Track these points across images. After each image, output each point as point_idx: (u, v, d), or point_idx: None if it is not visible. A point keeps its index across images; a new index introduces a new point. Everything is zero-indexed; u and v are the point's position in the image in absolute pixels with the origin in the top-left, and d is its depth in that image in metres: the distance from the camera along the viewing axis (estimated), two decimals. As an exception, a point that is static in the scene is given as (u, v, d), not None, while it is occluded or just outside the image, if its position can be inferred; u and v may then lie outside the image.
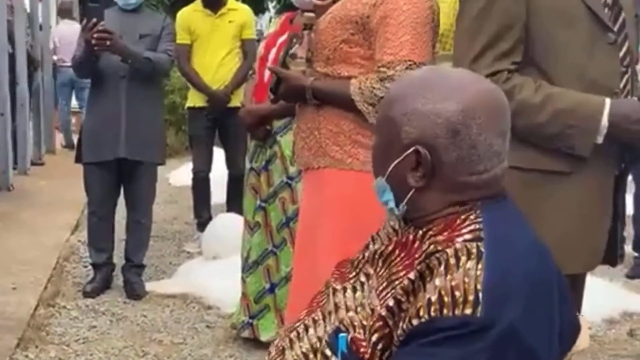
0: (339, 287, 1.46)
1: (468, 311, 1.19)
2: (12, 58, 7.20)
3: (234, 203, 5.38)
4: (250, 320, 3.52)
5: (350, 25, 2.29)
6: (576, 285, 2.04)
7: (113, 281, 4.41)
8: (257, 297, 3.50)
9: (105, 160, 4.17)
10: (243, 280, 3.59)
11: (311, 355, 1.39)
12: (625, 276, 4.63)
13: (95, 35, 3.88)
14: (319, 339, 1.40)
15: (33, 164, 8.19)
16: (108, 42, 3.91)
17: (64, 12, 10.31)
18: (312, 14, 2.46)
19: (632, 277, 4.67)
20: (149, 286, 4.38)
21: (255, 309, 3.50)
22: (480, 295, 1.19)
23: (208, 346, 3.63)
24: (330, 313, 1.42)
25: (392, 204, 1.38)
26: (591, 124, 1.93)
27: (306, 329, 1.45)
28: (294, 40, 2.59)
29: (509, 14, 1.92)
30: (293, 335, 1.46)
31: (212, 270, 4.50)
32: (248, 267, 3.52)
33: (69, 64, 9.72)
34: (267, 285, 3.48)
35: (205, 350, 3.58)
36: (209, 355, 3.53)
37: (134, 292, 4.26)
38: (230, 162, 5.40)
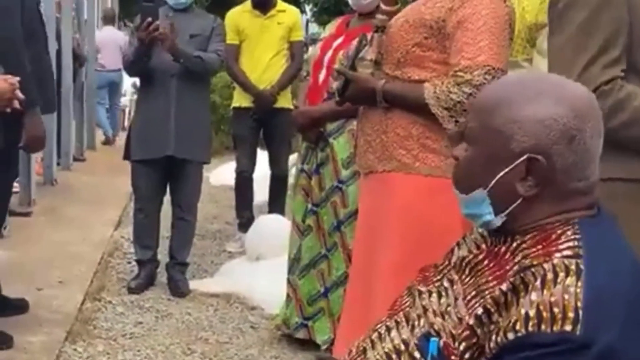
0: (424, 289, 1.45)
1: (568, 328, 1.16)
2: (58, 55, 7.28)
3: (276, 204, 5.41)
4: (305, 322, 3.51)
5: (424, 29, 2.28)
6: None
7: (157, 278, 4.44)
8: (311, 300, 3.49)
9: (154, 157, 4.20)
10: (290, 282, 3.59)
11: (394, 356, 1.38)
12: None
13: (151, 35, 3.91)
14: (403, 341, 1.39)
15: (75, 159, 8.29)
16: (165, 41, 3.94)
17: (107, 19, 10.50)
18: (384, 17, 2.45)
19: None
20: (192, 284, 4.40)
21: (309, 311, 3.49)
22: (581, 313, 1.17)
23: (254, 347, 3.63)
24: (419, 316, 1.41)
25: (489, 217, 1.34)
26: None
27: (388, 330, 1.44)
28: (363, 42, 2.57)
29: (617, 20, 1.87)
30: (374, 336, 1.45)
31: (256, 270, 4.51)
32: (300, 270, 3.51)
33: (108, 69, 9.98)
34: (322, 289, 3.47)
35: (251, 351, 3.58)
36: (255, 355, 3.54)
37: (178, 289, 4.28)
38: (274, 162, 5.41)
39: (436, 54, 2.29)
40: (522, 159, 1.29)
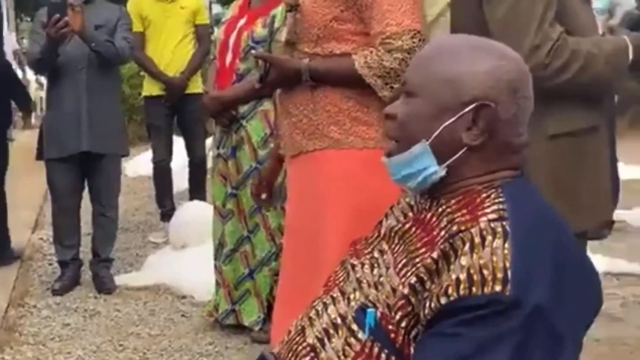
0: (356, 262, 1.45)
1: (498, 288, 1.18)
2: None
3: (196, 190, 5.37)
4: (233, 307, 3.51)
5: (339, 2, 2.25)
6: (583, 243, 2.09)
7: (81, 277, 4.35)
8: (237, 283, 3.49)
9: (69, 155, 4.10)
10: (217, 268, 3.57)
11: (332, 331, 1.38)
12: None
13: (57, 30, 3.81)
14: (340, 316, 1.39)
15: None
16: (74, 28, 3.84)
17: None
18: None
19: (590, 238, 4.75)
20: (118, 280, 4.33)
21: (236, 295, 3.49)
22: (509, 273, 1.19)
23: (187, 335, 3.60)
24: (354, 289, 1.40)
25: (432, 168, 1.34)
26: (625, 61, 1.97)
27: (325, 306, 1.43)
28: (274, 25, 2.52)
29: None
30: (312, 313, 1.45)
31: (182, 259, 4.46)
32: (225, 255, 3.50)
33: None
34: (246, 271, 3.47)
35: (185, 340, 3.55)
36: (189, 344, 3.51)
37: (104, 286, 4.21)
38: (191, 149, 5.38)
39: (354, 25, 2.27)
40: (471, 106, 1.31)
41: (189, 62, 5.12)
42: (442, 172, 1.34)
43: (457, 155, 1.33)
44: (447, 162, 1.33)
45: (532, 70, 1.83)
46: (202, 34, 5.22)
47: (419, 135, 1.35)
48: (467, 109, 1.31)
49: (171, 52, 5.12)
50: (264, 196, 2.75)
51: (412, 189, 1.41)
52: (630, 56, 1.98)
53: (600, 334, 3.39)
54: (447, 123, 1.32)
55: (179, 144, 5.52)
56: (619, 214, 4.99)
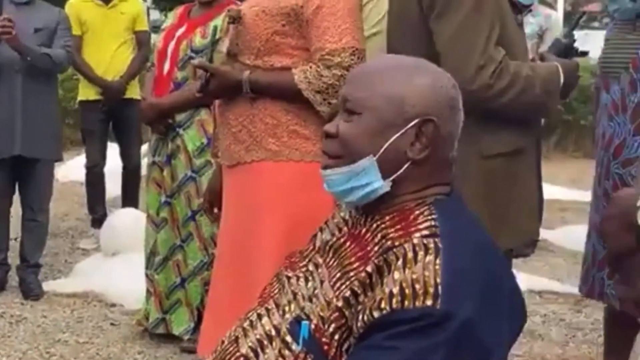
0: (291, 274, 1.48)
1: (429, 302, 1.22)
2: None
3: (129, 197, 5.32)
4: (164, 316, 3.50)
5: (281, 17, 2.30)
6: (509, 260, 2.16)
7: (7, 282, 4.27)
8: (168, 292, 3.48)
9: (1, 158, 4.02)
10: (148, 277, 3.56)
11: (265, 342, 1.40)
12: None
13: None
14: (274, 327, 1.42)
15: None
16: (12, 32, 3.78)
17: None
18: (236, 7, 2.45)
19: (514, 256, 4.88)
20: (46, 286, 4.25)
21: (167, 304, 3.49)
22: (440, 288, 1.23)
23: (115, 344, 3.57)
24: (289, 301, 1.44)
25: (377, 183, 1.37)
26: (557, 86, 2.06)
27: (259, 317, 1.46)
28: (217, 35, 2.55)
29: (495, 5, 1.98)
30: (246, 324, 1.47)
31: (113, 267, 4.41)
32: (157, 264, 3.49)
33: None
34: (178, 280, 3.47)
35: (113, 349, 3.52)
36: (117, 353, 3.48)
37: (31, 292, 4.14)
38: (125, 155, 5.31)
39: (295, 40, 2.32)
40: (415, 121, 1.36)
41: (128, 67, 5.08)
42: (388, 187, 1.38)
43: (402, 170, 1.37)
44: (392, 177, 1.37)
45: (477, 91, 1.91)
46: (141, 40, 5.20)
47: (363, 151, 1.38)
48: (411, 124, 1.36)
49: (110, 57, 5.07)
50: (216, 210, 2.73)
51: (350, 203, 1.44)
52: (561, 81, 2.08)
53: (522, 349, 3.50)
54: (393, 138, 1.36)
55: (112, 150, 5.47)
56: (542, 233, 5.15)
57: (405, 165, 1.37)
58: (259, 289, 1.61)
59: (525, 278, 4.20)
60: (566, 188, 6.72)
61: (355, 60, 2.26)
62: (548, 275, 4.61)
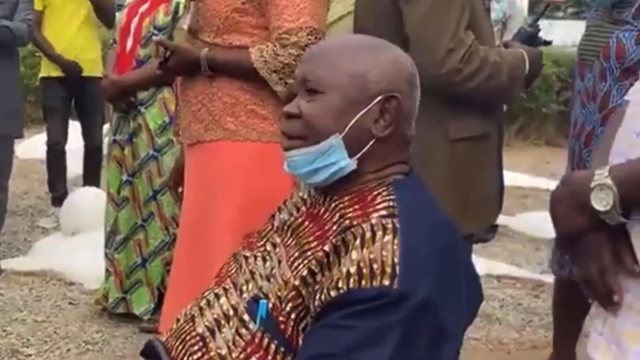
0: (249, 254, 1.48)
1: (386, 282, 1.23)
2: None
3: (91, 176, 5.26)
4: (124, 295, 3.48)
5: None
6: (470, 244, 2.18)
7: (-36, 259, 4.23)
8: (129, 272, 3.47)
9: (-41, 134, 3.96)
10: (108, 256, 3.54)
11: (222, 321, 1.40)
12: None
13: None
14: (232, 307, 1.41)
15: None
16: None
17: None
18: None
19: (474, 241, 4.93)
20: (4, 264, 4.20)
21: (127, 283, 3.47)
22: (397, 268, 1.24)
23: (73, 323, 3.54)
24: (247, 281, 1.43)
25: (344, 162, 1.37)
26: (523, 73, 2.08)
27: (217, 297, 1.45)
28: (181, 12, 2.53)
29: None
30: (203, 303, 1.47)
31: (72, 246, 4.37)
32: (118, 243, 3.47)
33: None
34: (139, 260, 3.46)
35: (71, 327, 3.50)
36: (75, 331, 3.46)
37: (-11, 270, 4.09)
38: (87, 134, 5.24)
39: (254, 18, 2.31)
40: (379, 98, 1.36)
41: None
42: (354, 165, 1.38)
43: (367, 148, 1.37)
44: (358, 155, 1.37)
45: (446, 75, 1.91)
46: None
47: (328, 130, 1.37)
48: (375, 101, 1.36)
49: (71, 36, 4.99)
50: (180, 189, 2.71)
51: (313, 184, 1.43)
52: (526, 69, 2.09)
53: (479, 333, 3.54)
54: (358, 115, 1.36)
55: (75, 128, 5.39)
56: (502, 219, 5.22)
57: (370, 143, 1.37)
58: (215, 269, 1.60)
59: (485, 263, 4.26)
60: (527, 175, 6.79)
61: (313, 40, 2.24)
62: (507, 261, 4.66)
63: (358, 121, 1.36)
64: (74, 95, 5.12)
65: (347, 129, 1.36)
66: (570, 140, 2.83)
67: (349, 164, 1.37)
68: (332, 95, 1.37)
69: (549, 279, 3.66)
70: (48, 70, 5.08)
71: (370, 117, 1.37)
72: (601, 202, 1.30)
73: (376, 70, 1.37)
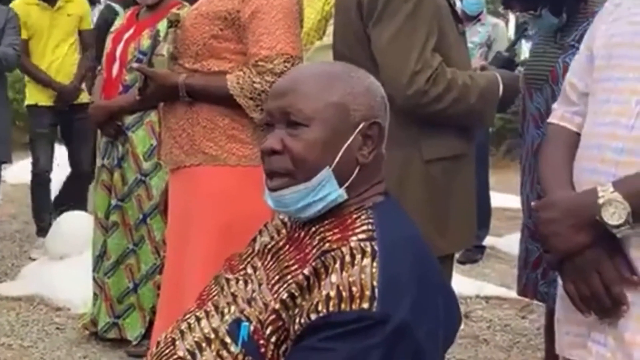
0: (231, 277, 1.49)
1: (365, 305, 1.24)
2: None
3: (77, 200, 5.21)
4: (116, 320, 3.47)
5: (219, 21, 2.31)
6: (450, 265, 2.19)
7: (-49, 285, 4.21)
8: (121, 297, 3.46)
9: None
10: (96, 281, 3.53)
11: (204, 344, 1.40)
12: (456, 262, 4.90)
13: None
14: (213, 330, 1.41)
15: None
16: None
17: None
18: (177, 11, 2.46)
19: (462, 262, 4.93)
20: (-9, 289, 4.21)
21: (119, 308, 3.46)
22: (376, 291, 1.24)
23: (61, 348, 3.54)
24: (229, 303, 1.44)
25: (335, 193, 1.37)
26: (496, 96, 2.10)
27: (198, 320, 1.46)
28: (158, 39, 2.56)
29: (434, 6, 2.01)
30: (184, 326, 1.47)
31: (59, 270, 4.36)
32: (107, 268, 3.47)
33: None
34: (131, 285, 3.45)
35: (58, 353, 3.49)
36: (63, 357, 3.46)
37: (-24, 295, 4.08)
38: (75, 161, 5.19)
39: (233, 44, 2.34)
40: (362, 125, 1.38)
41: (77, 71, 5.01)
42: (345, 195, 1.38)
43: (354, 175, 1.38)
44: (347, 184, 1.37)
45: (412, 97, 1.94)
46: (87, 41, 5.10)
47: (318, 165, 1.36)
48: (359, 129, 1.37)
49: (59, 62, 4.99)
50: None
51: (304, 218, 1.41)
52: (500, 91, 2.12)
53: (467, 354, 3.54)
54: (345, 145, 1.37)
55: (60, 154, 5.37)
56: (490, 240, 5.23)
57: (357, 170, 1.38)
58: (195, 293, 1.60)
59: (473, 283, 4.26)
60: (515, 195, 6.76)
61: (289, 67, 2.26)
62: (495, 282, 4.66)
63: (345, 151, 1.37)
64: (61, 122, 5.10)
65: (336, 160, 1.36)
66: (524, 159, 2.85)
67: (341, 194, 1.38)
68: (317, 128, 1.36)
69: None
70: (35, 98, 5.04)
71: (355, 144, 1.38)
72: (612, 216, 1.40)
73: (355, 98, 1.38)
